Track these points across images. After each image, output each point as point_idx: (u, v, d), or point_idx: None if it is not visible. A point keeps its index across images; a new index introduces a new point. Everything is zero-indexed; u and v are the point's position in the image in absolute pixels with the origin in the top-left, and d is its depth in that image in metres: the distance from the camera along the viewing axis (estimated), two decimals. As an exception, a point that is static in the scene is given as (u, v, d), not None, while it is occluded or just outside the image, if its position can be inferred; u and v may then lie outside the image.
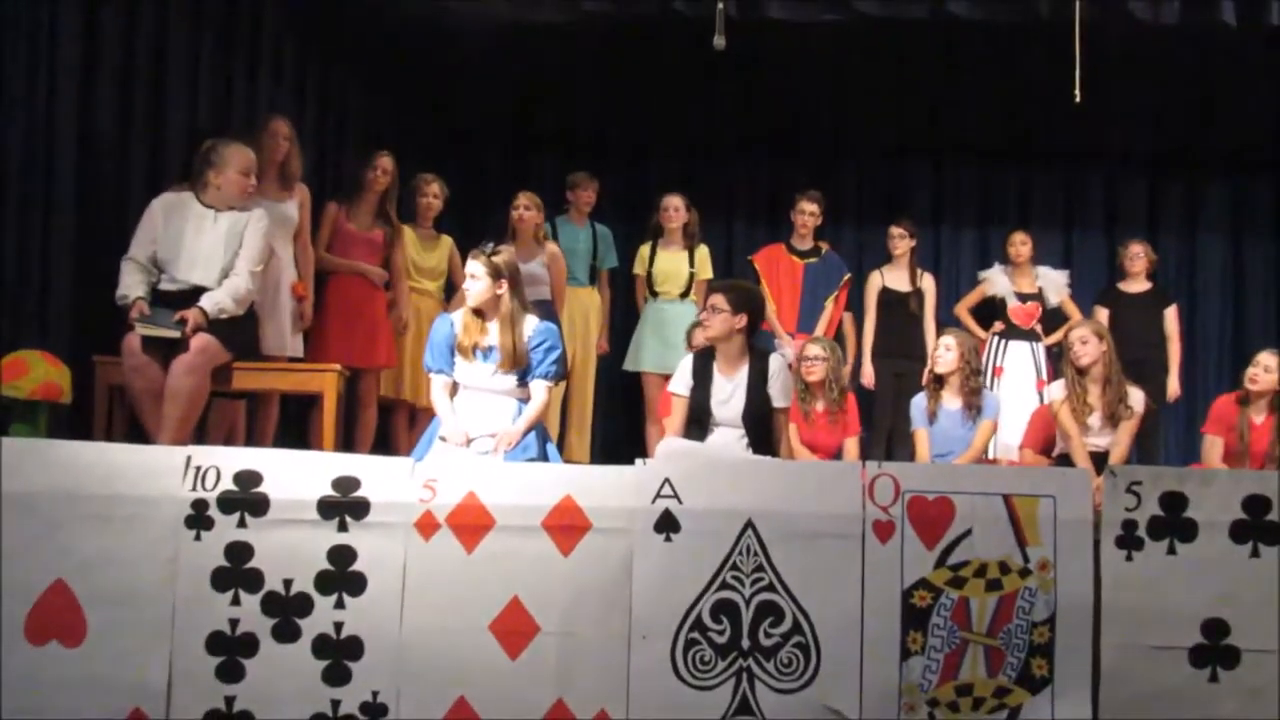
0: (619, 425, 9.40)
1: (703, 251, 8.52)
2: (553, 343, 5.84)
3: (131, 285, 5.88)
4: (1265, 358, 6.71)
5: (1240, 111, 9.15)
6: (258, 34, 7.54)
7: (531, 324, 5.83)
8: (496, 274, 5.76)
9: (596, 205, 8.77)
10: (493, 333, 5.78)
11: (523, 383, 5.80)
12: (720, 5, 6.74)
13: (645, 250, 8.53)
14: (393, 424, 7.67)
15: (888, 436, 8.34)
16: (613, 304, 8.78)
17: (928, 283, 8.75)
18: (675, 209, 8.45)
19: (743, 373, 5.93)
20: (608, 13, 7.52)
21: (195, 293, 5.93)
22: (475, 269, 5.79)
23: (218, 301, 5.93)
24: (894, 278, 8.70)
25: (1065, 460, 6.48)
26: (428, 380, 6.02)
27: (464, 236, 7.63)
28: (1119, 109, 8.92)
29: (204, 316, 5.86)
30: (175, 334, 5.77)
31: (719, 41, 6.64)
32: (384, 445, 7.45)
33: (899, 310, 8.61)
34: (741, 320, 5.91)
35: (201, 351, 5.76)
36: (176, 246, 5.97)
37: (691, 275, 8.42)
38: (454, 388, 5.84)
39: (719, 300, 5.94)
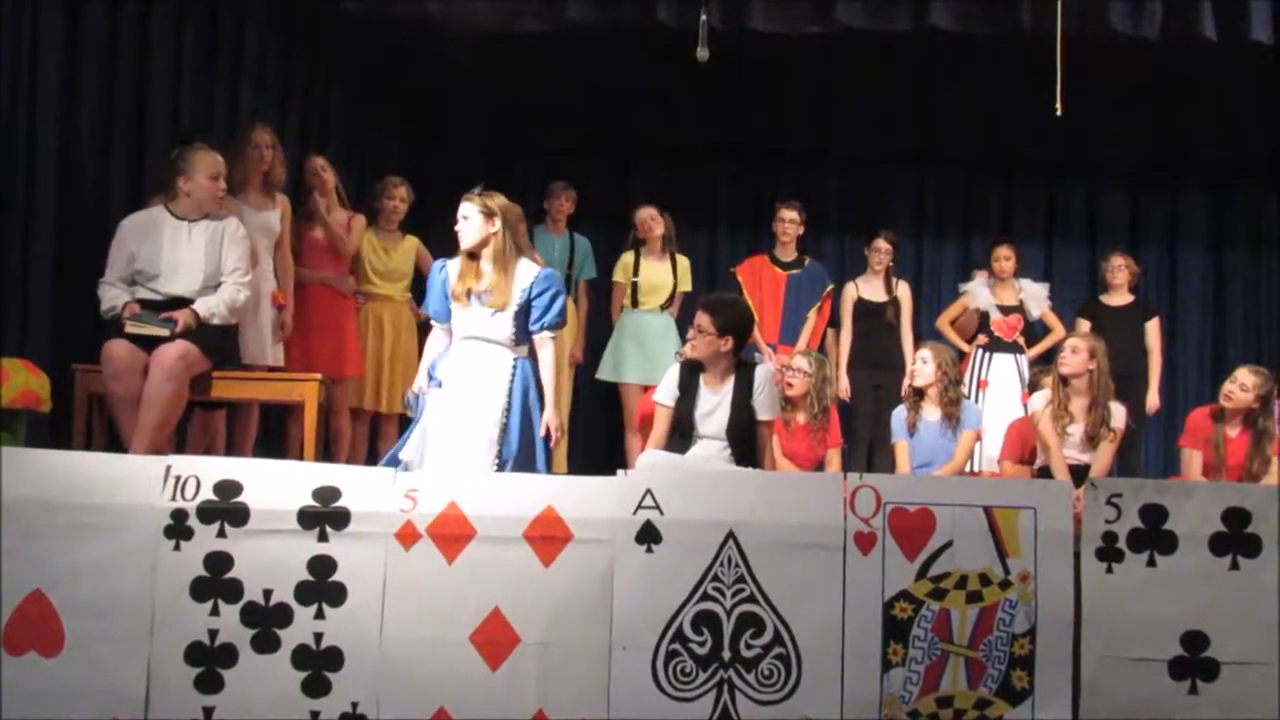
0: (599, 436, 9.39)
1: (684, 263, 8.54)
2: (556, 289, 5.73)
3: (116, 296, 5.87)
4: (1243, 375, 6.73)
5: (1221, 124, 9.20)
6: (240, 42, 7.53)
7: (531, 270, 5.73)
8: (489, 213, 5.66)
9: (578, 214, 8.77)
10: (487, 275, 5.68)
11: (522, 334, 5.70)
12: (703, 16, 6.75)
13: (629, 258, 8.54)
14: (356, 433, 7.63)
15: (868, 447, 8.34)
16: (590, 315, 8.77)
17: (903, 291, 8.76)
18: (652, 218, 8.46)
19: (728, 385, 5.92)
20: (591, 22, 7.51)
21: (177, 303, 5.91)
22: (467, 210, 5.69)
23: (211, 307, 5.92)
24: (869, 288, 8.71)
25: (1046, 472, 6.49)
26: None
27: (445, 247, 7.61)
28: (1100, 121, 8.96)
29: (195, 318, 5.84)
30: (164, 332, 5.76)
31: (702, 53, 6.64)
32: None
33: (875, 321, 8.61)
34: (728, 343, 5.89)
35: (181, 358, 5.74)
36: (155, 260, 5.94)
37: (674, 286, 8.43)
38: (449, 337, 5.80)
39: (705, 322, 5.90)
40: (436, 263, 5.94)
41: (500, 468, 5.60)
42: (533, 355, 5.77)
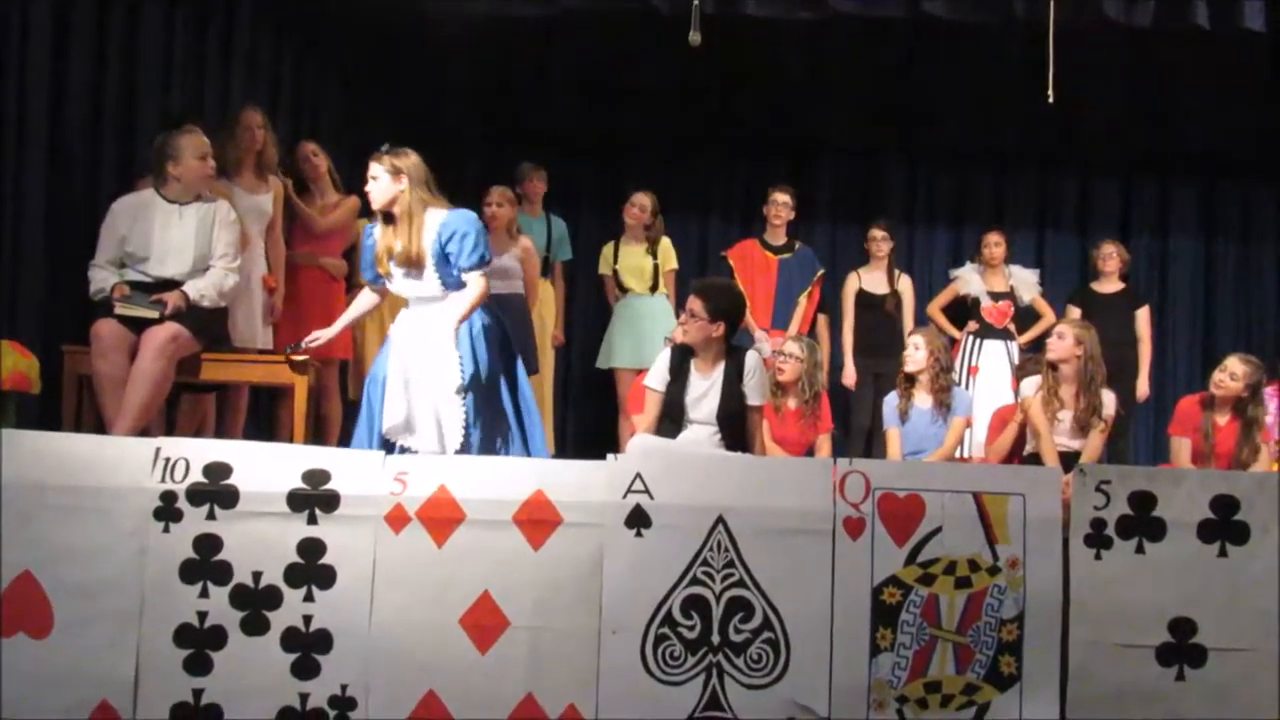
0: (591, 420, 9.40)
1: (665, 243, 8.50)
2: (466, 229, 5.59)
3: (105, 280, 5.86)
4: (1233, 364, 6.74)
5: (1212, 113, 9.20)
6: (232, 24, 7.50)
7: (437, 217, 5.62)
8: (395, 172, 5.60)
9: (572, 202, 8.76)
10: (399, 236, 5.63)
11: (452, 281, 5.62)
12: (696, 1, 6.74)
13: (609, 250, 8.54)
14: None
15: (866, 436, 8.36)
16: (569, 296, 8.77)
17: (905, 284, 8.78)
18: (641, 208, 8.44)
19: (719, 370, 5.92)
20: (583, 7, 7.50)
21: (166, 285, 5.90)
22: (375, 170, 5.63)
23: (200, 289, 5.91)
24: (871, 280, 8.74)
25: (1035, 459, 6.50)
26: None
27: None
28: (1092, 110, 8.97)
29: (184, 300, 5.83)
30: (154, 314, 5.75)
31: (695, 38, 6.62)
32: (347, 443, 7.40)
33: (876, 312, 8.65)
34: (719, 328, 5.88)
35: (172, 339, 5.73)
36: (146, 243, 5.93)
37: (656, 268, 8.41)
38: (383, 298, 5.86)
39: (697, 306, 5.89)
40: (367, 227, 5.89)
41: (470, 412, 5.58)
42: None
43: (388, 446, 5.54)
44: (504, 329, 5.83)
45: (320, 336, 5.91)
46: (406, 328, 5.69)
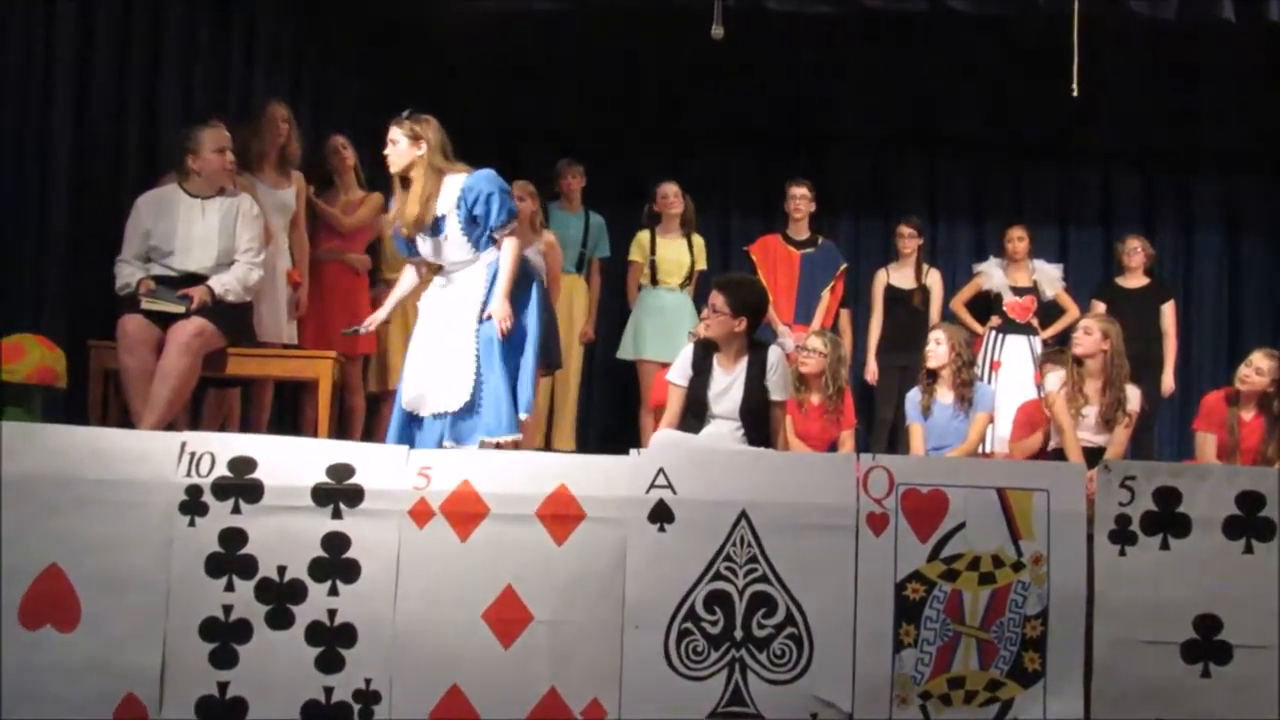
0: (613, 415, 9.39)
1: (699, 241, 8.53)
2: (489, 189, 5.66)
3: (131, 274, 5.89)
4: (1258, 358, 6.71)
5: (1237, 107, 9.15)
6: (253, 20, 7.52)
7: (458, 181, 5.69)
8: (414, 137, 5.67)
9: (589, 194, 8.76)
10: (416, 201, 5.69)
11: (480, 242, 5.70)
12: (717, -5, 6.74)
13: (644, 237, 8.52)
14: (381, 415, 7.66)
15: (890, 432, 8.35)
16: (603, 293, 8.76)
17: (934, 280, 8.78)
18: (675, 195, 8.45)
19: (742, 365, 5.92)
20: (604, 2, 7.50)
21: (190, 279, 5.92)
22: (394, 134, 5.70)
23: (225, 284, 5.94)
24: (899, 275, 8.75)
25: (1060, 455, 6.48)
26: None
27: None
28: (1116, 104, 8.93)
29: (210, 295, 5.86)
30: (179, 308, 5.77)
31: (717, 31, 6.63)
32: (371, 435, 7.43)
33: (903, 307, 8.65)
34: (741, 324, 5.89)
35: (198, 334, 5.75)
36: (170, 237, 5.96)
37: (692, 264, 8.43)
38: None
39: (719, 302, 5.89)
40: (391, 201, 5.97)
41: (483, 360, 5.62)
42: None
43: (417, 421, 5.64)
44: (530, 283, 5.84)
45: (375, 319, 5.98)
46: (433, 298, 5.78)
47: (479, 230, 5.69)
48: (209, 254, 5.99)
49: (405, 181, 5.74)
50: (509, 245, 5.70)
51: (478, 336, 5.66)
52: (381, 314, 6.02)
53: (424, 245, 5.79)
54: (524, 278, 5.82)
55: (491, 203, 5.65)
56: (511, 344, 5.68)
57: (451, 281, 5.78)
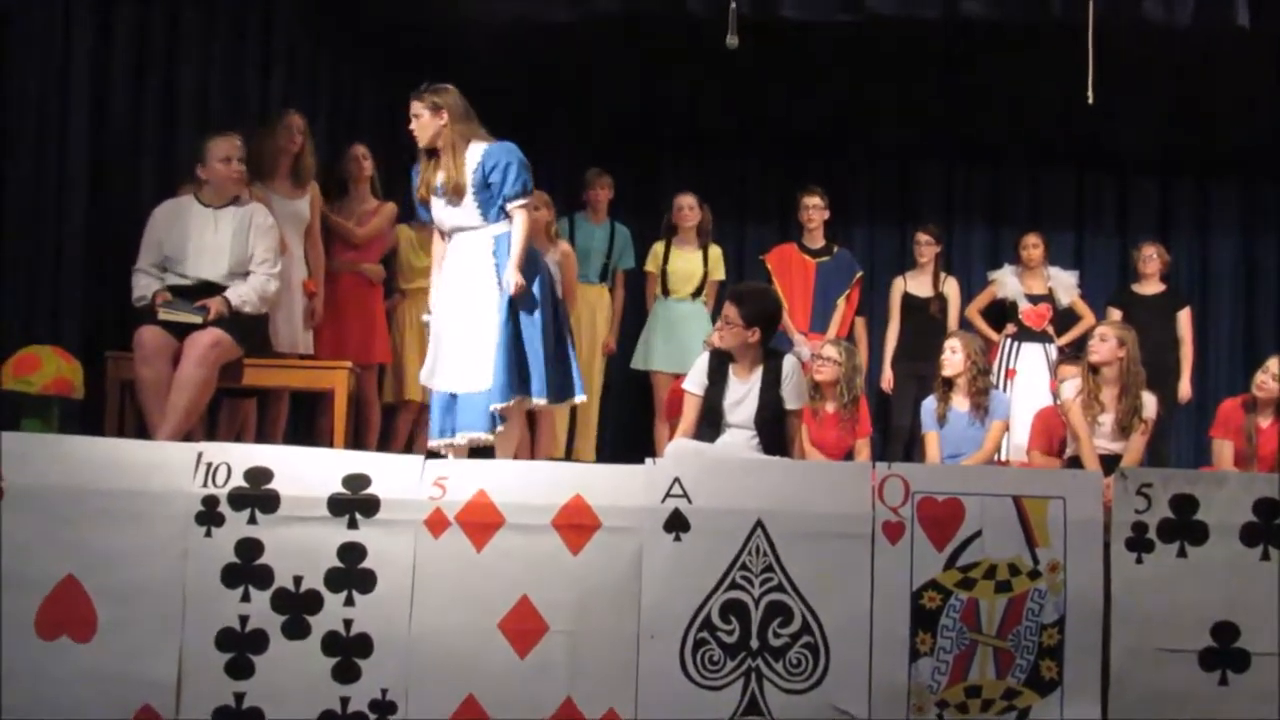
0: (629, 424, 9.39)
1: (715, 252, 8.52)
2: (508, 159, 5.78)
3: (147, 285, 5.93)
4: (1275, 365, 6.69)
5: (1253, 113, 9.13)
6: (270, 29, 7.53)
7: (479, 149, 5.80)
8: (436, 108, 5.78)
9: (614, 205, 8.76)
10: (442, 168, 5.81)
11: (492, 211, 5.79)
12: (733, 4, 6.74)
13: (659, 248, 8.53)
14: (396, 425, 7.68)
15: (907, 440, 8.33)
16: (625, 304, 8.77)
17: (951, 287, 8.77)
18: (690, 208, 8.46)
19: (757, 375, 5.91)
20: (619, 12, 7.51)
21: (204, 287, 5.95)
22: (417, 109, 5.82)
23: (242, 295, 5.96)
24: (916, 283, 8.73)
25: (1076, 462, 6.46)
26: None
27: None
28: (1131, 109, 8.91)
29: (227, 306, 5.88)
30: (196, 319, 5.80)
31: (732, 40, 6.63)
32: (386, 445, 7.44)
33: (920, 315, 8.64)
34: (754, 334, 5.88)
35: (215, 345, 5.77)
36: (183, 246, 5.99)
37: (705, 275, 8.43)
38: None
39: (732, 313, 5.90)
40: (415, 167, 6.04)
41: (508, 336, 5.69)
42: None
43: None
44: (537, 266, 5.92)
45: (433, 302, 5.99)
46: (448, 261, 5.88)
47: (491, 197, 5.78)
48: (221, 263, 6.02)
49: (431, 152, 5.85)
50: (520, 218, 5.79)
51: (502, 317, 5.72)
52: (435, 294, 6.02)
53: (437, 206, 5.88)
54: (531, 262, 5.88)
55: (509, 172, 5.76)
56: (518, 332, 5.75)
57: (458, 249, 5.86)
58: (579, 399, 6.06)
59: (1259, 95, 8.85)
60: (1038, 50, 8.15)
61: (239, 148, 6.13)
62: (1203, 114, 9.26)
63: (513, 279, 5.70)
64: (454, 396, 5.76)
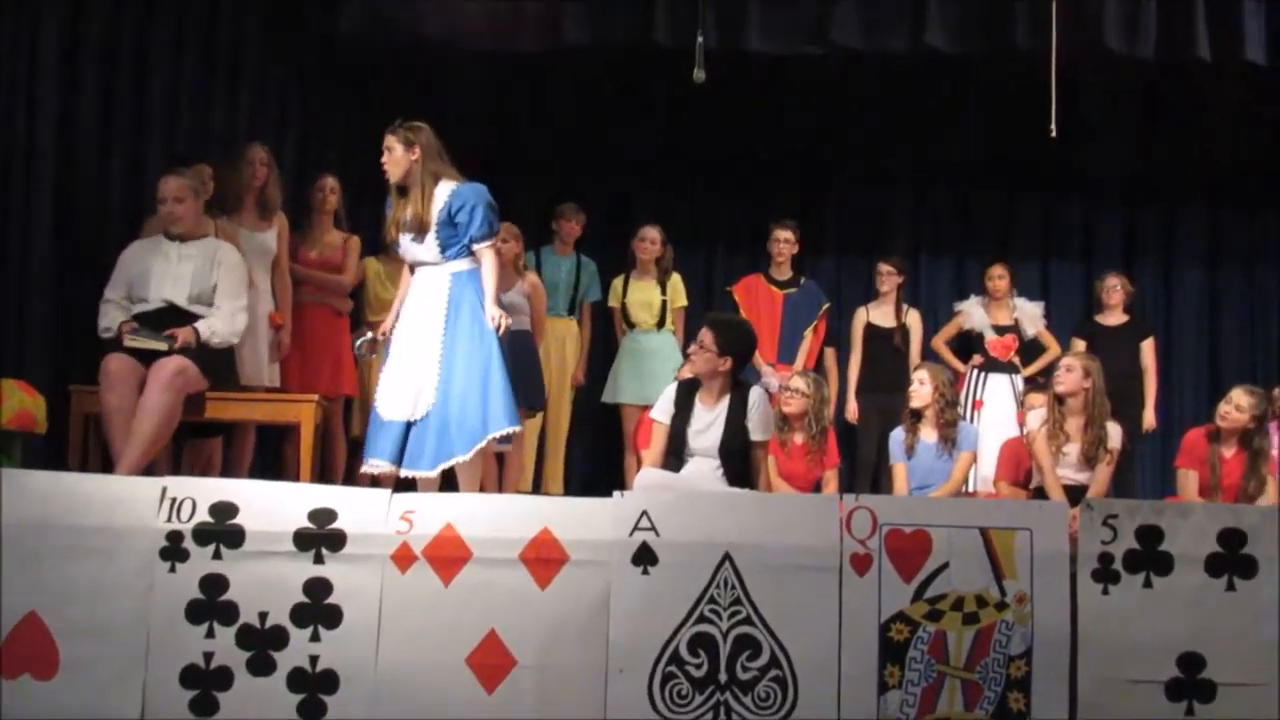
0: (597, 457, 9.38)
1: (675, 280, 8.52)
2: (475, 201, 5.81)
3: (114, 317, 5.89)
4: (1238, 395, 6.72)
5: (1215, 142, 9.22)
6: (238, 64, 7.53)
7: (447, 188, 5.85)
8: (409, 143, 5.83)
9: (582, 236, 8.77)
10: (410, 203, 5.85)
11: (452, 250, 5.82)
12: (700, 38, 6.77)
13: (618, 283, 8.54)
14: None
15: (873, 471, 8.34)
16: (593, 337, 8.77)
17: (913, 319, 8.76)
18: (652, 241, 8.46)
19: (723, 405, 5.93)
20: (587, 44, 7.54)
21: (170, 311, 5.92)
22: (389, 142, 5.86)
23: (212, 327, 5.94)
24: (879, 314, 8.73)
25: (1042, 493, 6.48)
26: None
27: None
28: (1095, 139, 9.00)
29: (195, 336, 5.85)
30: (162, 345, 5.76)
31: (699, 75, 6.67)
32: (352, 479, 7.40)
33: (883, 346, 8.63)
34: (726, 363, 5.90)
35: (180, 372, 5.73)
36: (147, 274, 5.97)
37: (664, 304, 8.43)
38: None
39: (708, 339, 5.93)
40: (387, 199, 6.07)
41: (447, 366, 5.71)
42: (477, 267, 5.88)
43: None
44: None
45: (384, 325, 6.05)
46: (410, 292, 5.93)
47: (454, 237, 5.81)
48: (183, 287, 5.97)
49: (402, 188, 5.88)
50: (489, 258, 5.85)
51: (441, 349, 5.75)
52: (390, 319, 6.05)
53: (404, 241, 5.92)
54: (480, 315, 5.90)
55: (476, 214, 5.80)
56: (478, 365, 5.75)
57: (417, 284, 5.91)
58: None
59: (1221, 125, 8.95)
60: (1003, 82, 8.22)
61: (182, 186, 6.06)
62: (1166, 144, 9.34)
63: (493, 314, 5.75)
64: (410, 424, 5.75)
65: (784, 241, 8.63)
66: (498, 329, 5.74)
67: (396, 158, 5.84)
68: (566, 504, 5.09)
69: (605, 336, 8.86)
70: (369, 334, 6.12)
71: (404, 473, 5.75)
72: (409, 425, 5.73)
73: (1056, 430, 6.55)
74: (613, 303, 8.55)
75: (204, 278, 6.02)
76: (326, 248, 7.31)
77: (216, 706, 4.66)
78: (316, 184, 7.37)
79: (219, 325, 5.97)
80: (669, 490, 5.53)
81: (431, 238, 5.82)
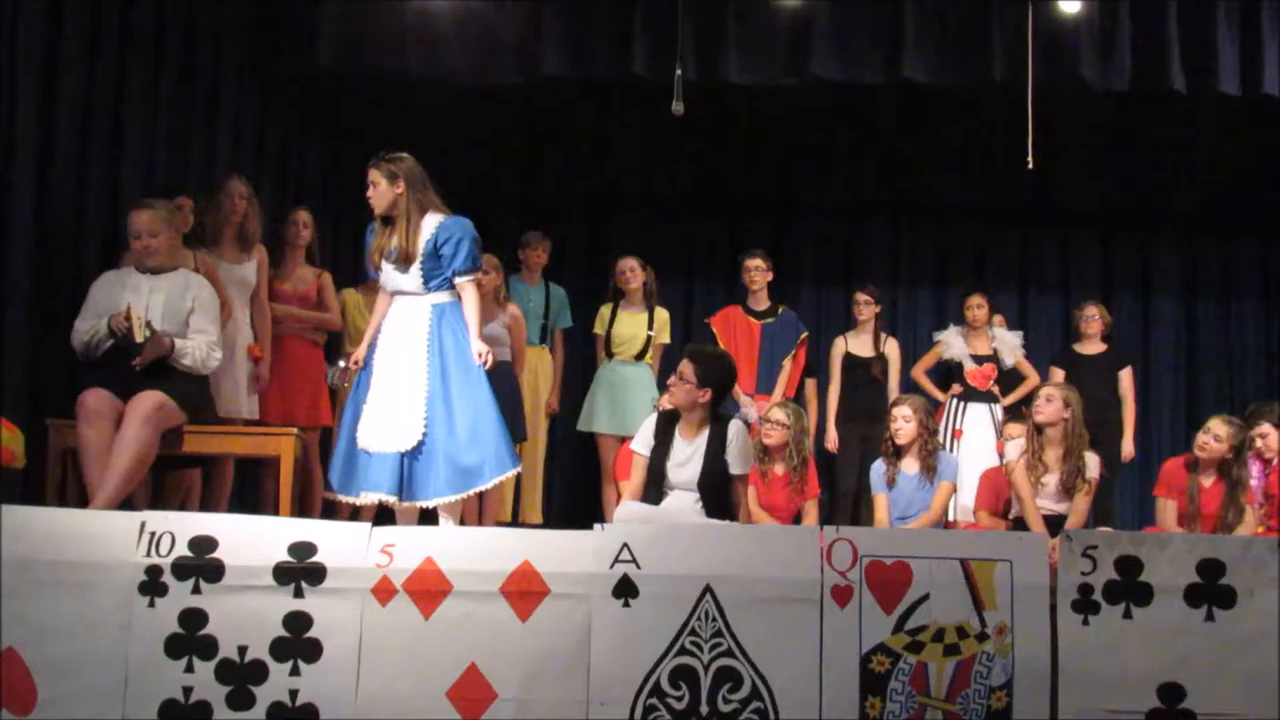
0: (574, 485, 9.38)
1: (662, 315, 8.53)
2: (461, 235, 5.85)
3: (91, 327, 5.81)
4: (1216, 425, 6.75)
5: (1192, 173, 9.30)
6: (217, 96, 7.54)
7: (434, 221, 5.88)
8: (393, 176, 5.85)
9: (558, 265, 8.78)
10: (395, 234, 5.88)
11: (434, 281, 5.85)
12: (679, 71, 6.81)
13: (606, 311, 8.55)
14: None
15: (853, 501, 8.34)
16: (567, 364, 8.77)
17: (891, 348, 8.77)
18: (631, 270, 8.47)
19: (703, 437, 5.93)
20: (566, 75, 7.57)
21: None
22: (373, 176, 5.89)
23: (186, 347, 5.85)
24: (857, 343, 8.74)
25: (1021, 523, 6.50)
26: None
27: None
28: (1073, 170, 9.07)
29: (170, 346, 5.79)
30: (145, 335, 5.70)
31: (678, 108, 6.71)
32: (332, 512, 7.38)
33: (862, 375, 8.63)
34: (706, 395, 5.91)
35: (160, 407, 5.68)
36: (118, 306, 5.90)
37: (649, 338, 8.44)
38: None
39: (688, 371, 5.92)
40: (371, 226, 6.09)
41: (432, 399, 5.73)
42: (458, 300, 5.92)
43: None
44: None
45: (358, 353, 6.05)
46: (388, 321, 5.94)
47: (437, 268, 5.83)
48: (154, 319, 5.92)
49: (387, 220, 5.90)
50: (470, 292, 5.88)
51: (427, 380, 5.75)
52: (362, 348, 6.06)
53: (385, 269, 5.93)
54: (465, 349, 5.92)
55: (460, 248, 5.83)
56: (477, 399, 5.77)
57: (396, 313, 5.92)
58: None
59: (1197, 156, 9.02)
60: (980, 113, 8.28)
61: (155, 220, 6.00)
62: (1143, 174, 9.42)
63: (479, 349, 5.79)
64: (396, 455, 5.73)
65: (755, 270, 8.63)
66: (484, 364, 5.76)
67: (381, 191, 5.87)
68: (547, 536, 5.07)
69: (581, 361, 8.87)
70: (341, 363, 6.11)
71: (421, 504, 5.75)
72: (402, 457, 5.71)
73: (1035, 460, 6.57)
74: (598, 329, 8.55)
75: (176, 309, 5.96)
76: (299, 281, 7.29)
77: (196, 742, 4.63)
78: (290, 218, 7.36)
79: (193, 349, 5.90)
80: (650, 522, 5.52)
81: (415, 268, 5.84)
